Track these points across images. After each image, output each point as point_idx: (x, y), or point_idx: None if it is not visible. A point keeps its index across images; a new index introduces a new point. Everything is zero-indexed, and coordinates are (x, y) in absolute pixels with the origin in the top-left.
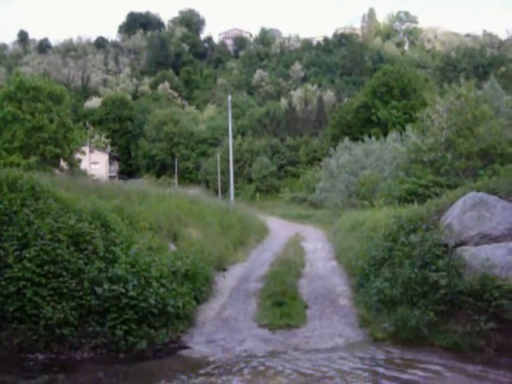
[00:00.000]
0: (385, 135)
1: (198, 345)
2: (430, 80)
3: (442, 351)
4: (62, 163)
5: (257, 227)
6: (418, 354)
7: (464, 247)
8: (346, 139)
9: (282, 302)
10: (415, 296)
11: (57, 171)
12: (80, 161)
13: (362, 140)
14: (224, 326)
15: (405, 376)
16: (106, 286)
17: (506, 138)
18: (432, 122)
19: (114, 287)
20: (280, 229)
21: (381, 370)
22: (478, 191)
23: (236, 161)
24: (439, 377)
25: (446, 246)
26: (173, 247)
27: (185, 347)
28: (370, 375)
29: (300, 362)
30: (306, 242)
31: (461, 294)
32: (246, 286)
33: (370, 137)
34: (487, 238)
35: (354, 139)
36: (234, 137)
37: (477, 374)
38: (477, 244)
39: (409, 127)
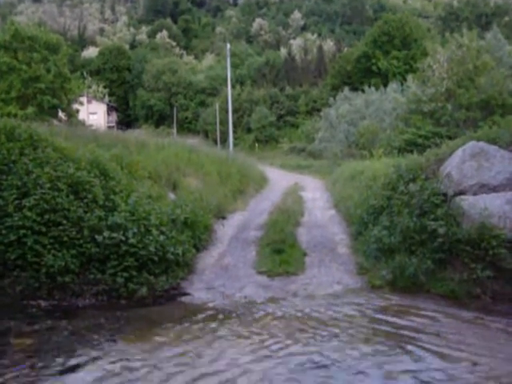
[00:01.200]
0: (385, 85)
1: (197, 291)
2: (431, 29)
3: (438, 298)
4: (60, 114)
5: (256, 177)
6: (415, 301)
7: (463, 196)
8: (346, 89)
9: (280, 250)
10: (413, 244)
11: (55, 122)
12: (78, 111)
13: (362, 90)
14: (223, 273)
15: (402, 322)
16: (105, 234)
17: (507, 88)
18: (433, 73)
19: (114, 235)
20: (279, 179)
21: (378, 315)
22: (478, 141)
23: (235, 111)
24: (436, 322)
25: (444, 195)
26: (172, 196)
27: (185, 294)
28: (367, 321)
29: (299, 307)
30: (304, 192)
31: (458, 243)
32: (245, 234)
33: (369, 87)
34: (486, 188)
35: (354, 89)
36: (233, 86)
37: (472, 320)
38: (475, 193)
39: (409, 77)
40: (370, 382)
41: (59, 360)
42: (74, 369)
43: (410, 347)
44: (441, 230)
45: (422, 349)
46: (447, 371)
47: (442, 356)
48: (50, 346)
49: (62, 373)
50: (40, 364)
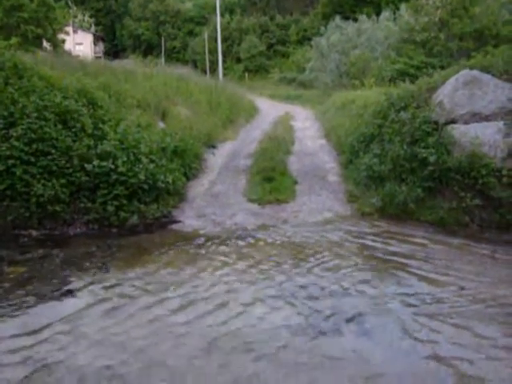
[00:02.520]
0: (377, 14)
1: (188, 219)
2: None
3: (427, 226)
4: (45, 44)
5: (246, 107)
6: (405, 228)
7: (454, 125)
8: (338, 18)
9: (271, 178)
10: (403, 172)
11: (40, 52)
12: (64, 41)
13: (354, 19)
14: (214, 201)
15: (391, 248)
16: (95, 163)
17: (502, 18)
18: (426, 1)
19: (104, 163)
20: (269, 109)
21: (368, 242)
22: (471, 69)
23: (224, 40)
24: (424, 248)
25: (436, 123)
26: (161, 125)
27: (176, 221)
28: (357, 246)
29: (289, 234)
30: (295, 121)
31: (449, 171)
32: (236, 162)
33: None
34: (478, 117)
35: (346, 18)
36: (222, 15)
37: (460, 246)
38: (467, 122)
39: (402, 6)
40: (357, 304)
41: (52, 287)
42: (66, 295)
43: (399, 272)
44: (431, 159)
45: (410, 274)
46: (435, 295)
47: (430, 281)
48: (43, 273)
49: (56, 299)
50: (33, 291)
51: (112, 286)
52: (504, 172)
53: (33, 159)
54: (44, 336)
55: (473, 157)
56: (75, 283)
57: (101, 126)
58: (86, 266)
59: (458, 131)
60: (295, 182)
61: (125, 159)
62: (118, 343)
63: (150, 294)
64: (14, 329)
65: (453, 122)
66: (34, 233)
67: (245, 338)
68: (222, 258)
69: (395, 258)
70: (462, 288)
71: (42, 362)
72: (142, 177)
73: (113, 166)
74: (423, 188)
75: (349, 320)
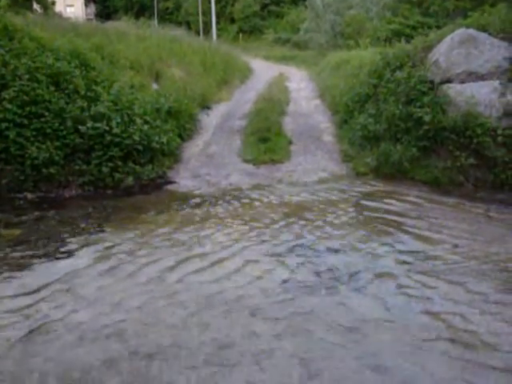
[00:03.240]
0: None
1: (184, 180)
2: None
3: (422, 185)
4: (35, 6)
5: (240, 68)
6: (400, 188)
7: (450, 84)
8: None
9: (266, 138)
10: (398, 132)
11: (30, 14)
12: (54, 3)
13: None
14: (209, 161)
15: (386, 206)
16: (89, 125)
17: None
18: None
19: (98, 125)
20: (264, 70)
21: (363, 201)
22: (468, 28)
23: (218, 0)
24: (418, 207)
25: (431, 82)
26: (155, 86)
27: (171, 182)
28: (352, 205)
29: (285, 193)
30: (289, 82)
31: (444, 131)
32: (230, 123)
33: None
34: (474, 76)
35: None
36: None
37: (454, 205)
38: (463, 81)
39: None
40: (351, 261)
41: (49, 248)
42: (63, 255)
43: (393, 230)
44: (426, 118)
45: (405, 232)
46: (429, 252)
47: (424, 238)
48: (39, 235)
49: (53, 259)
50: (30, 252)
51: (108, 247)
52: (499, 131)
53: (26, 122)
54: (42, 296)
55: (468, 116)
56: (72, 244)
57: (94, 87)
58: (82, 227)
59: (454, 90)
60: (290, 143)
61: (119, 120)
62: (116, 302)
63: (146, 253)
64: (12, 289)
65: (448, 81)
66: (30, 195)
67: (240, 294)
68: (218, 218)
69: (390, 217)
70: (456, 246)
71: (42, 320)
72: (136, 138)
73: (107, 128)
74: (418, 147)
75: (342, 276)
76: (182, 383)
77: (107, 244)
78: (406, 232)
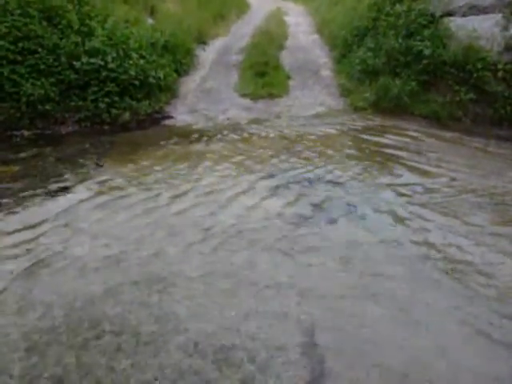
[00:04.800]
0: None
1: (181, 115)
2: None
3: (421, 119)
4: None
5: (237, 2)
6: (398, 122)
7: (451, 17)
8: None
9: (263, 73)
10: (398, 66)
11: None
12: None
13: None
14: (206, 96)
15: (384, 140)
16: (84, 60)
17: None
18: None
19: (93, 60)
20: (261, 4)
21: (361, 135)
22: None
23: None
24: (417, 141)
25: (432, 16)
26: (150, 21)
27: (168, 117)
28: (350, 139)
29: (283, 127)
30: (287, 17)
31: (444, 65)
32: (227, 58)
33: None
34: (475, 9)
35: None
36: None
37: (453, 139)
38: (464, 15)
39: None
40: (350, 194)
41: (47, 183)
42: (62, 190)
43: (391, 164)
44: (426, 52)
45: (403, 165)
46: (426, 185)
47: (422, 172)
48: (37, 171)
49: (51, 195)
50: (29, 188)
51: (107, 181)
52: (500, 66)
53: (20, 58)
54: (42, 230)
55: (469, 50)
56: (70, 179)
57: (88, 22)
58: (80, 162)
59: (455, 24)
60: (288, 77)
61: (114, 55)
62: (116, 234)
63: (145, 187)
64: (12, 224)
65: (450, 14)
66: (26, 133)
67: (238, 226)
68: (215, 152)
69: (388, 151)
70: (454, 179)
71: (43, 254)
72: (132, 73)
73: (102, 63)
74: (417, 82)
75: (341, 209)
76: (181, 311)
77: (105, 178)
78: (405, 165)
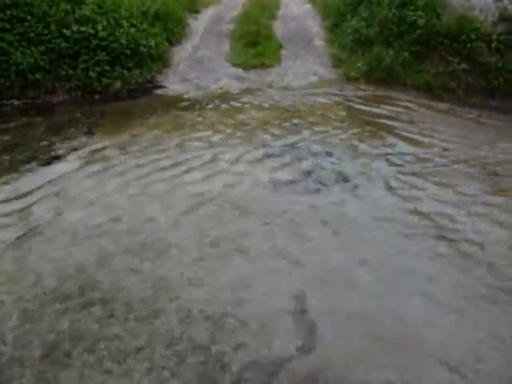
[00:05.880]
0: None
1: (172, 84)
2: None
3: (413, 90)
4: None
5: None
6: (391, 92)
7: None
8: None
9: (256, 43)
10: (391, 36)
11: None
12: None
13: None
14: (198, 66)
15: (377, 110)
16: (74, 28)
17: None
18: None
19: (83, 29)
20: None
21: (354, 104)
22: None
23: None
24: (409, 112)
25: None
26: None
27: (160, 86)
28: (342, 109)
29: (275, 97)
30: None
31: (437, 35)
32: (220, 27)
33: None
34: None
35: None
36: None
37: (445, 110)
38: None
39: None
40: (341, 163)
41: (38, 153)
42: (53, 159)
43: (384, 133)
44: (420, 22)
45: (395, 135)
46: (418, 155)
47: (414, 142)
48: (28, 140)
49: (43, 163)
50: (20, 157)
51: (98, 150)
52: (494, 37)
53: (8, 26)
54: (34, 199)
55: (463, 20)
56: (61, 149)
57: None
58: (71, 131)
59: None
60: (280, 47)
61: (105, 24)
62: (107, 203)
63: (136, 156)
64: (4, 193)
65: None
66: (16, 102)
67: (230, 195)
68: (207, 121)
69: (380, 120)
70: (446, 149)
71: (35, 223)
72: (123, 41)
73: (93, 31)
74: (410, 52)
75: (333, 177)
76: (174, 278)
77: (96, 148)
78: (397, 135)
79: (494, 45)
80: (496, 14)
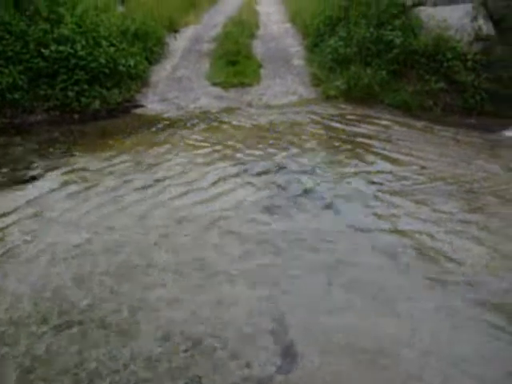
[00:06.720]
0: None
1: (151, 103)
2: None
3: (392, 109)
4: None
5: None
6: (369, 111)
7: (421, 7)
8: None
9: (235, 62)
10: (369, 55)
11: None
12: None
13: None
14: (177, 85)
15: (355, 129)
16: (52, 48)
17: None
18: None
19: (62, 48)
20: None
21: (333, 123)
22: None
23: None
24: (388, 130)
25: (403, 5)
26: (121, 8)
27: (139, 106)
28: (321, 128)
29: (254, 116)
30: (260, 6)
31: (414, 54)
32: (199, 46)
33: None
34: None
35: None
36: None
37: (423, 128)
38: (435, 4)
39: None
40: (320, 181)
41: (17, 172)
42: (32, 179)
43: (362, 152)
44: (397, 41)
45: (374, 154)
46: (397, 173)
47: (392, 160)
48: (7, 160)
49: (21, 184)
50: None
51: (77, 170)
52: (469, 56)
53: None
54: (12, 219)
55: (439, 40)
56: (40, 168)
57: (56, 8)
58: (50, 151)
59: (426, 13)
60: (260, 66)
61: (84, 43)
62: (85, 223)
63: (115, 176)
64: None
65: (420, 4)
66: None
67: (208, 214)
68: (186, 141)
69: (359, 139)
70: (424, 167)
71: (12, 243)
72: (102, 61)
73: (72, 51)
74: (388, 71)
75: (312, 196)
76: (152, 300)
77: (75, 167)
78: (376, 154)
79: (470, 64)
80: (472, 34)
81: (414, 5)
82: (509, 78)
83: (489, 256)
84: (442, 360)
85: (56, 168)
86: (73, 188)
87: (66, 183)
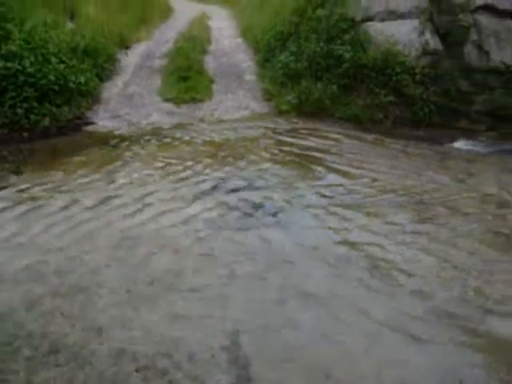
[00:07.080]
0: None
1: (103, 120)
2: None
3: (343, 122)
4: None
5: (160, 7)
6: (321, 125)
7: (370, 23)
8: None
9: (187, 77)
10: (319, 70)
11: None
12: None
13: None
14: (129, 101)
15: (307, 143)
16: (0, 64)
17: None
18: None
19: (10, 64)
20: (185, 9)
21: (284, 138)
22: None
23: None
24: (339, 144)
25: (352, 20)
26: (70, 25)
27: (90, 123)
28: (273, 142)
29: (206, 131)
30: (212, 21)
31: (364, 68)
32: (150, 63)
33: None
34: (393, 15)
35: None
36: None
37: (374, 141)
38: (383, 20)
39: None
40: (271, 196)
41: None
42: None
43: (314, 166)
44: (347, 55)
45: (325, 167)
46: (348, 186)
47: (344, 173)
48: None
49: None
50: None
51: (26, 189)
52: (418, 70)
53: None
54: None
55: (388, 54)
56: None
57: (3, 24)
58: None
59: (374, 29)
60: (212, 81)
61: (32, 60)
62: (35, 244)
63: (65, 195)
64: None
65: (369, 19)
66: None
67: (159, 232)
68: (138, 157)
69: (311, 153)
70: (375, 180)
71: None
72: (51, 78)
73: (20, 67)
74: (338, 85)
75: (262, 212)
76: (104, 319)
77: (24, 186)
78: (327, 167)
79: (418, 77)
80: (419, 49)
81: (363, 20)
82: (456, 91)
83: (439, 266)
84: (395, 371)
85: (4, 188)
86: (22, 208)
87: (15, 203)
